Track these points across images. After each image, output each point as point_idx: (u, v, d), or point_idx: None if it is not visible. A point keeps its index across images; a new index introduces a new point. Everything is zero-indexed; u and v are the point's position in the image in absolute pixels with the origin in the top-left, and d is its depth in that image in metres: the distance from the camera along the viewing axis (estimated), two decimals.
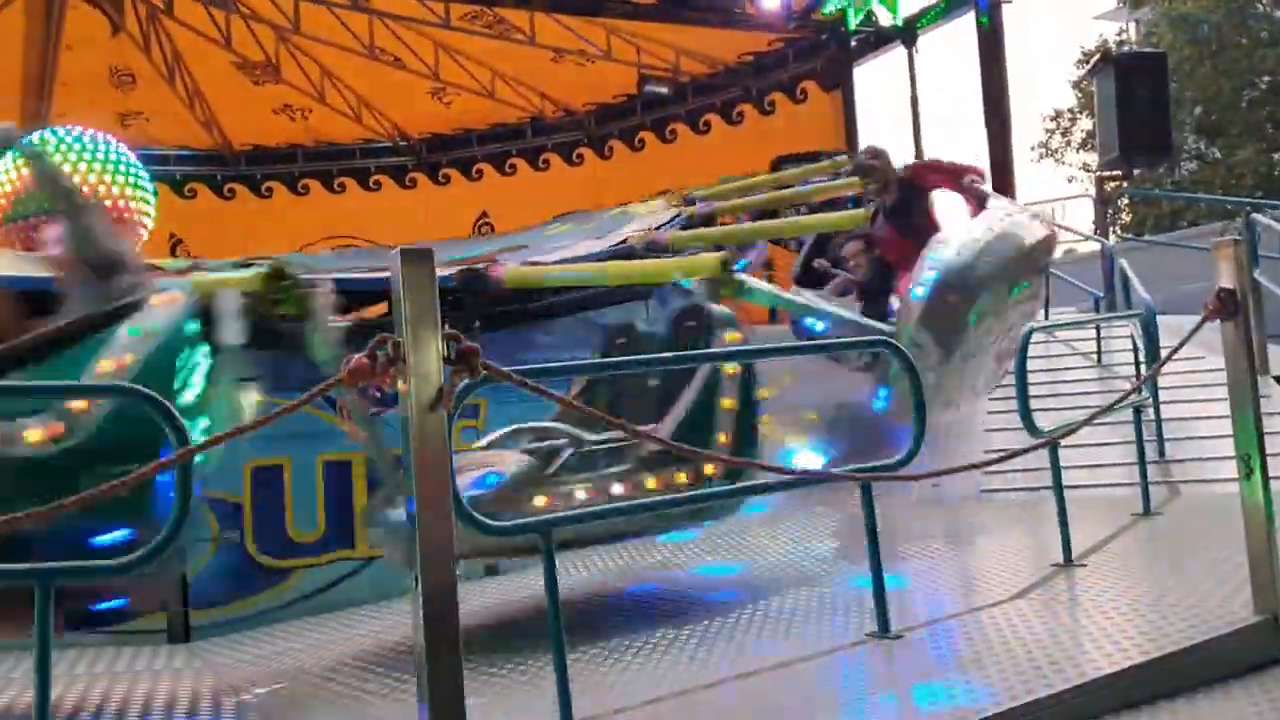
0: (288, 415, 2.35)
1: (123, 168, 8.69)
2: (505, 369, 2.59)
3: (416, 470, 2.06)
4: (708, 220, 8.37)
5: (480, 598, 4.95)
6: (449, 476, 2.15)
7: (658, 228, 7.70)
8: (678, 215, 8.60)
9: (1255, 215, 8.11)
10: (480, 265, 5.93)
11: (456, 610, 2.09)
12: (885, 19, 13.42)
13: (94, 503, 2.12)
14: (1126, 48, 24.76)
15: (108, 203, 8.31)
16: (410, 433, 2.09)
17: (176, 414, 2.33)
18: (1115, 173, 12.27)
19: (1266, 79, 21.84)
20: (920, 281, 5.18)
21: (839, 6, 13.17)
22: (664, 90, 15.10)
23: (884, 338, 4.49)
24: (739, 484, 4.22)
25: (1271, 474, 3.61)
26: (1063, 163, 25.99)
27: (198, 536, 5.02)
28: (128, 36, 13.96)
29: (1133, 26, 27.03)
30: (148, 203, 9.08)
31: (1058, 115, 25.95)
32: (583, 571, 5.38)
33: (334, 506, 5.89)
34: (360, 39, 14.46)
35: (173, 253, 13.63)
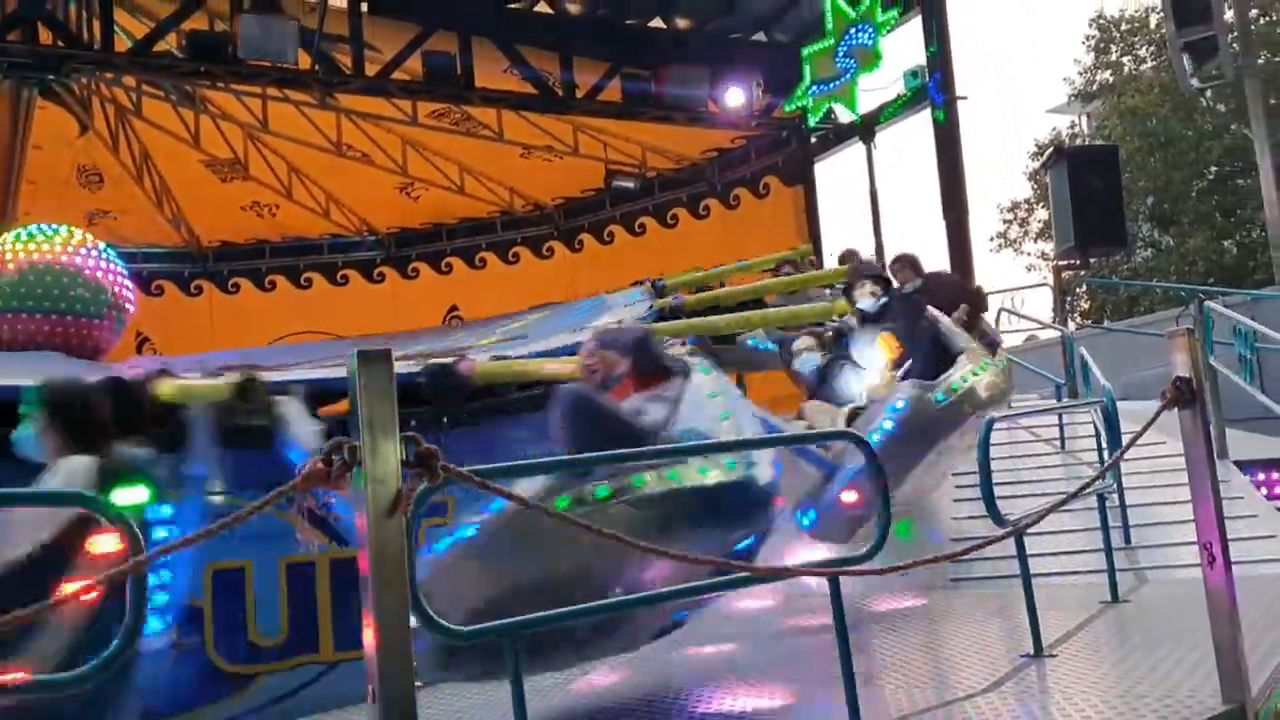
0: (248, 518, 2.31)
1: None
2: (465, 470, 2.56)
3: (374, 578, 2.03)
4: (677, 312, 8.51)
5: (442, 703, 4.83)
6: (408, 584, 2.11)
7: (637, 319, 7.83)
8: (650, 307, 8.74)
9: (1208, 303, 8.25)
10: (449, 359, 5.93)
11: None
12: (845, 116, 13.76)
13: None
14: (1079, 140, 25.54)
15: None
16: (367, 539, 2.05)
17: (130, 522, 2.29)
18: (1072, 261, 12.52)
19: (1213, 169, 22.50)
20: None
21: (800, 105, 13.50)
22: (631, 185, 15.35)
23: (849, 430, 4.49)
24: (706, 580, 4.08)
25: (1235, 559, 3.63)
26: (1021, 252, 26.53)
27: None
28: (96, 136, 14.08)
29: (1084, 119, 27.87)
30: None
31: (1015, 206, 26.55)
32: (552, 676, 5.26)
33: (298, 609, 5.77)
34: (328, 136, 14.66)
35: (139, 351, 13.58)
